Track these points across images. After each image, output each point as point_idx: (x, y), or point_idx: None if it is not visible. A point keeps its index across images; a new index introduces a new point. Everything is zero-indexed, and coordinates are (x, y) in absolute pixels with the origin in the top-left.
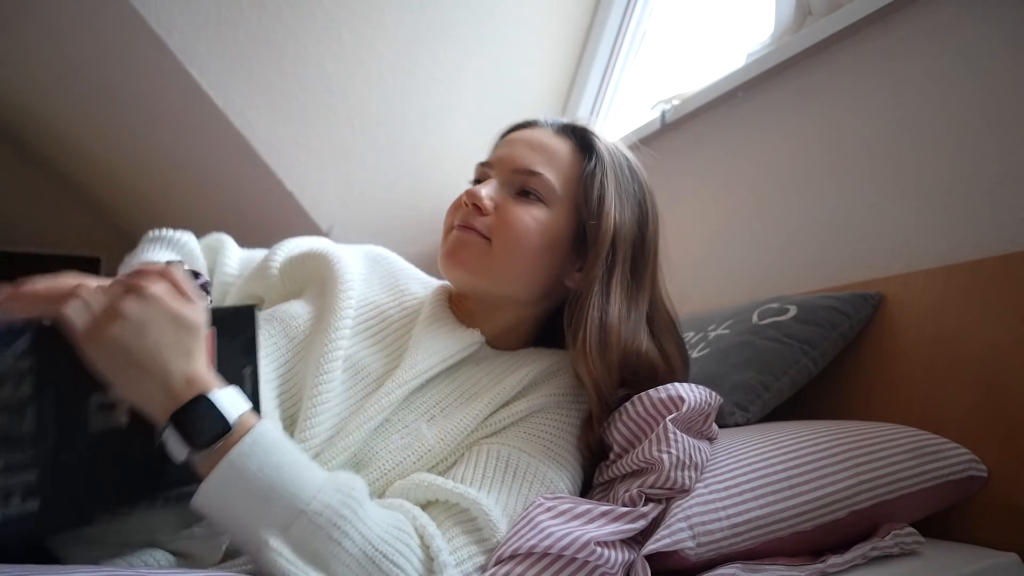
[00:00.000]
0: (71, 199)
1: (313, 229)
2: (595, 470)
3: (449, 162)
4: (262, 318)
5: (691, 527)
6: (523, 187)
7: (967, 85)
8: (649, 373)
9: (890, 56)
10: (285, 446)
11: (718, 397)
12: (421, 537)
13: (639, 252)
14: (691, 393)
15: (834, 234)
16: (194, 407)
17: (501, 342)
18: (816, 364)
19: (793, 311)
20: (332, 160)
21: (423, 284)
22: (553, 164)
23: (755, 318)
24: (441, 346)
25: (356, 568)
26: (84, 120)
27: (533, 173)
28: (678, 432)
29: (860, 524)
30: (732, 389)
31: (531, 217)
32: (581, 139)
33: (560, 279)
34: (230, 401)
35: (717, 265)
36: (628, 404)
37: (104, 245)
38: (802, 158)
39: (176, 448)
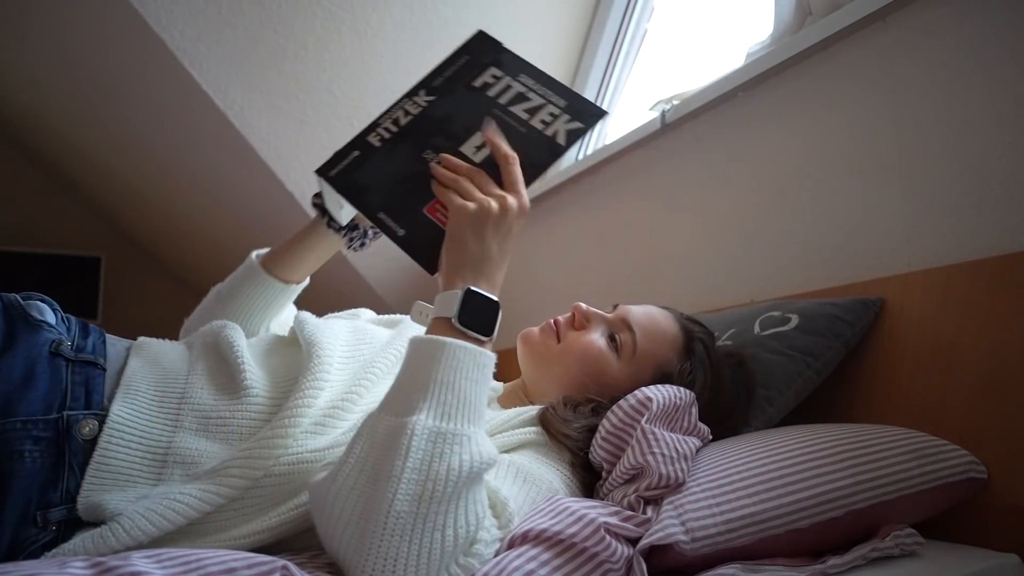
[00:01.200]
0: (71, 199)
1: None
2: (592, 493)
3: None
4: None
5: (683, 522)
6: (615, 331)
7: (967, 84)
8: None
9: (890, 56)
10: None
11: (690, 393)
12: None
13: None
14: (658, 392)
15: (834, 234)
16: (491, 304)
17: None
18: (819, 375)
19: (795, 321)
20: None
21: None
22: (651, 337)
23: (757, 328)
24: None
25: (441, 500)
26: (84, 120)
27: (630, 329)
28: (656, 431)
29: (859, 524)
30: None
31: (599, 350)
32: (689, 339)
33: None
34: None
35: (717, 265)
36: (604, 421)
37: (104, 245)
38: (802, 158)
39: (443, 306)
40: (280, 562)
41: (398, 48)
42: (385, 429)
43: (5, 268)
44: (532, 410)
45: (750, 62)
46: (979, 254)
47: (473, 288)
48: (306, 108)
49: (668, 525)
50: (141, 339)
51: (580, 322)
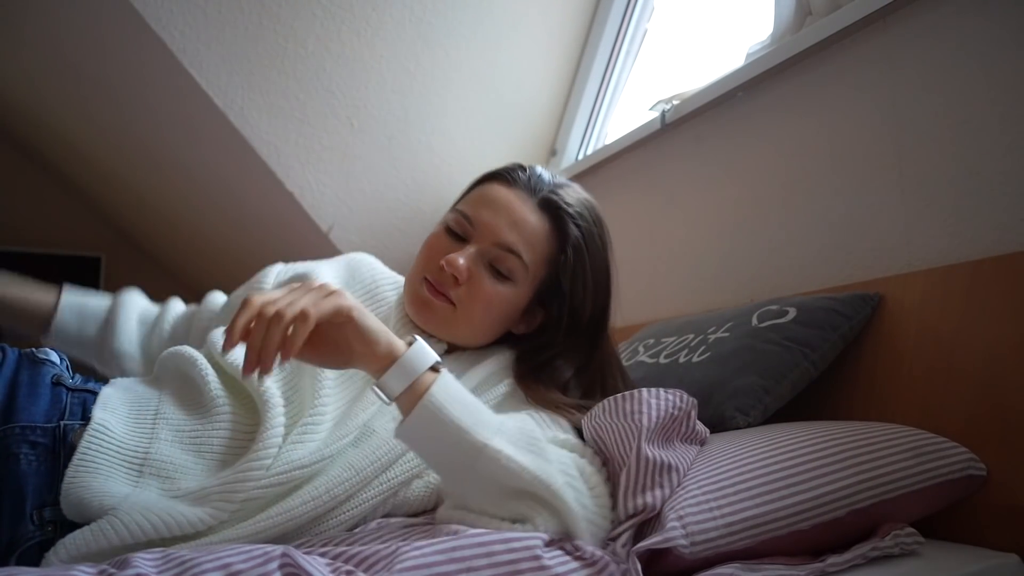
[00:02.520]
0: (71, 199)
1: (313, 229)
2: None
3: (449, 161)
4: None
5: (683, 525)
6: (497, 262)
7: (967, 84)
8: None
9: (890, 56)
10: (459, 392)
11: (689, 399)
12: (579, 470)
13: (595, 323)
14: (653, 406)
15: (834, 234)
16: (424, 346)
17: (455, 350)
18: (816, 367)
19: (793, 313)
20: (332, 160)
21: (395, 287)
22: (530, 245)
23: (755, 320)
24: None
25: (552, 474)
26: (84, 120)
27: (512, 252)
28: (658, 459)
29: (859, 523)
30: (733, 393)
31: (498, 294)
32: (557, 220)
33: (509, 329)
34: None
35: (717, 265)
36: (592, 420)
37: (104, 245)
38: (802, 158)
39: (419, 360)
40: (279, 550)
41: (398, 48)
42: (485, 468)
43: (5, 268)
44: (493, 366)
45: (750, 62)
46: (978, 254)
47: (412, 339)
48: (306, 108)
49: (669, 528)
50: (115, 379)
51: (463, 278)
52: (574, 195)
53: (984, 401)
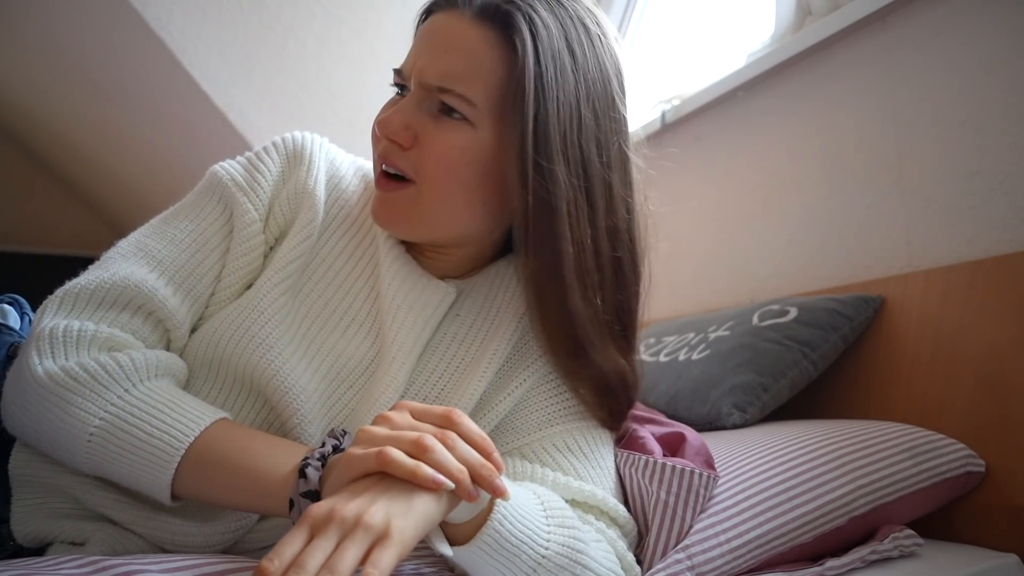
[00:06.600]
0: (71, 199)
1: None
2: None
3: None
4: None
5: (689, 556)
6: (443, 104)
7: (967, 84)
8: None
9: (890, 56)
10: (516, 510)
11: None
12: (615, 552)
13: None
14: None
15: (834, 234)
16: None
17: (466, 270)
18: (816, 366)
19: (794, 313)
20: None
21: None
22: (473, 71)
23: (755, 320)
24: (414, 318)
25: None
26: (84, 120)
27: (444, 89)
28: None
29: (859, 529)
30: (731, 390)
31: (454, 146)
32: (501, 22)
33: (510, 199)
34: None
35: (717, 265)
36: (666, 483)
37: (104, 245)
38: (802, 158)
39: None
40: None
41: (398, 48)
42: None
43: (6, 268)
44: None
45: (750, 62)
46: (978, 254)
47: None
48: (306, 108)
49: (673, 562)
50: None
51: (405, 138)
52: None
53: (984, 401)
